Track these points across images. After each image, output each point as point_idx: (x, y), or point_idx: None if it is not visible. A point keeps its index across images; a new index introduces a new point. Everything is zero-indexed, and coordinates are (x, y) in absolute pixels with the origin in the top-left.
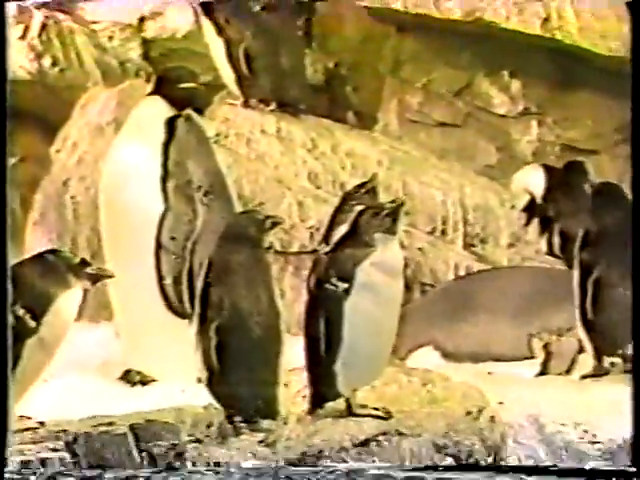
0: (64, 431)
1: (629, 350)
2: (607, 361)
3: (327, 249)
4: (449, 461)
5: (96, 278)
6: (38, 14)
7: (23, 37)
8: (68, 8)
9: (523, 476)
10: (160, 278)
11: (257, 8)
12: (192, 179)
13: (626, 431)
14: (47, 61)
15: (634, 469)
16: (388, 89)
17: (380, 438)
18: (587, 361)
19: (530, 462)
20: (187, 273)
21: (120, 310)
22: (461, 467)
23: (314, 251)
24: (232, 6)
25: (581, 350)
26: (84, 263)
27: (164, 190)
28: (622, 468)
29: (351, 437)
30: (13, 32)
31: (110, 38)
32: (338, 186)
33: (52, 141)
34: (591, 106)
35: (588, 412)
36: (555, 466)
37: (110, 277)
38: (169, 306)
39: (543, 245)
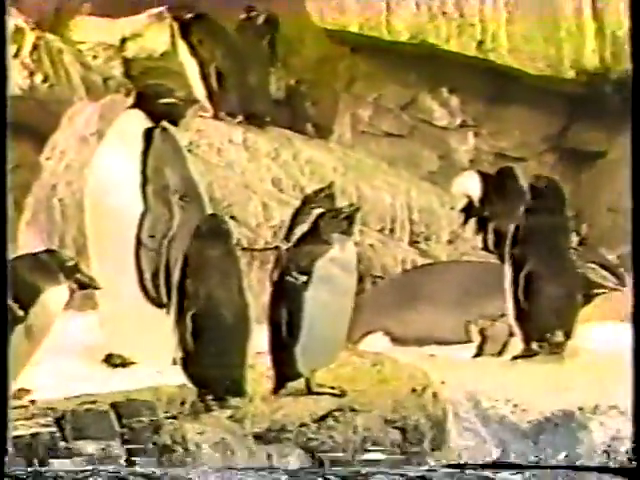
0: (53, 409)
1: (556, 337)
2: (535, 344)
3: (288, 246)
4: (395, 437)
5: (84, 285)
6: (31, 35)
7: (16, 56)
8: (58, 29)
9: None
10: (140, 272)
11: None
12: (168, 184)
13: (553, 405)
14: (38, 78)
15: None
16: (343, 104)
17: (336, 414)
18: (517, 344)
19: (468, 434)
20: (164, 267)
21: (103, 300)
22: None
23: (277, 248)
24: (205, 28)
25: (512, 334)
26: (76, 268)
27: (143, 194)
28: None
29: (310, 413)
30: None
31: (94, 57)
32: (298, 190)
33: (42, 150)
34: (520, 119)
35: (518, 389)
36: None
37: (97, 288)
38: (147, 296)
39: (479, 242)
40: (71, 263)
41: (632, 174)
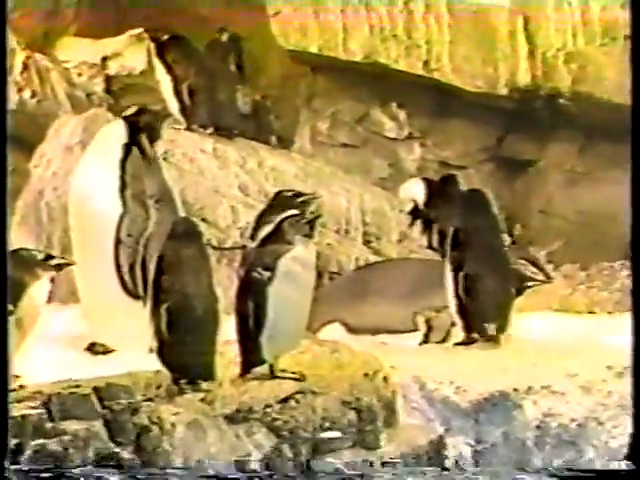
0: (40, 392)
1: (493, 326)
2: (474, 333)
3: (254, 245)
4: (351, 417)
5: (60, 267)
6: (21, 54)
7: (9, 74)
8: (45, 49)
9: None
10: (118, 268)
11: (201, 49)
12: (145, 189)
13: (490, 386)
14: (27, 93)
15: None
16: (303, 117)
17: (297, 396)
18: (458, 333)
19: (416, 414)
20: (141, 263)
21: (86, 294)
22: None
23: (244, 247)
24: (179, 49)
25: (453, 324)
26: (48, 257)
27: (122, 198)
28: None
29: (274, 396)
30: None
31: (79, 74)
32: (263, 194)
33: (31, 158)
34: (461, 132)
35: (460, 372)
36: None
37: (71, 264)
38: (126, 290)
39: (424, 241)
40: (41, 256)
41: (632, 176)
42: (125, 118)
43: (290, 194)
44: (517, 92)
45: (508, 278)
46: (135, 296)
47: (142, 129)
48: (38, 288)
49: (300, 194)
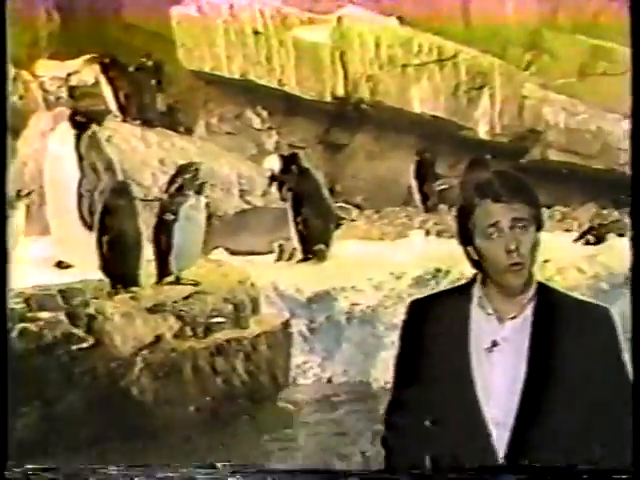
0: (23, 293)
1: (320, 248)
2: (309, 254)
3: (165, 197)
4: (230, 308)
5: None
6: (12, 70)
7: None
8: (28, 67)
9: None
10: (80, 211)
11: (132, 69)
12: (95, 161)
13: (319, 286)
14: (16, 97)
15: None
16: (200, 115)
17: (195, 295)
18: (299, 254)
19: (272, 305)
20: (92, 208)
21: (55, 228)
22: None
23: (159, 199)
24: (117, 68)
25: (295, 248)
26: (19, 195)
27: (80, 168)
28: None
29: (179, 295)
30: None
31: (50, 85)
32: (173, 165)
33: (17, 140)
34: (302, 125)
35: (299, 278)
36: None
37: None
38: (85, 224)
39: (277, 195)
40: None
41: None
42: (70, 119)
43: (188, 164)
44: (336, 100)
45: (329, 217)
46: (89, 228)
47: (85, 123)
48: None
49: (193, 164)
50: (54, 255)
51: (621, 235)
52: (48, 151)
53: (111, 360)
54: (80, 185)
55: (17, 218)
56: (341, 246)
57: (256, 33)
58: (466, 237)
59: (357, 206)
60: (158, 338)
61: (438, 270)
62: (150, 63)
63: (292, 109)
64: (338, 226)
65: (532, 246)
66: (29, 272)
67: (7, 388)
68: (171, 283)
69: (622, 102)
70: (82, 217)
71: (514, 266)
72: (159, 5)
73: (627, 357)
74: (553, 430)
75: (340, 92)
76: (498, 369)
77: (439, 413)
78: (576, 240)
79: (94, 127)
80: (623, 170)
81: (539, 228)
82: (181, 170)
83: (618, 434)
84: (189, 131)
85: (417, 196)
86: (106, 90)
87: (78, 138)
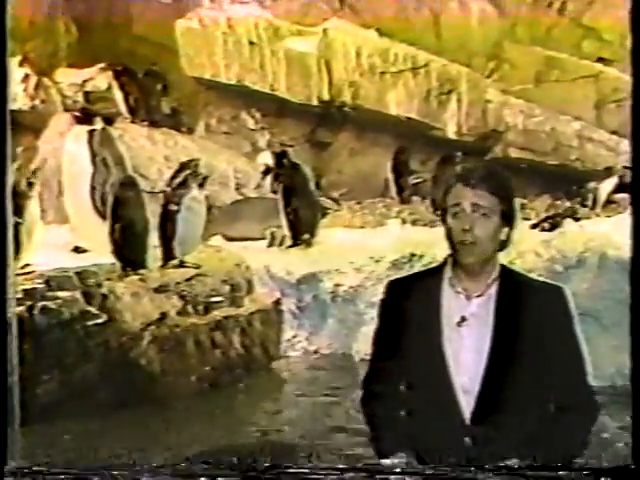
0: (43, 274)
1: (307, 236)
2: (298, 240)
3: (169, 190)
4: (227, 289)
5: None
6: (34, 78)
7: (25, 89)
8: (49, 75)
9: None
10: (93, 201)
11: (140, 75)
12: (107, 158)
13: (306, 269)
14: (38, 101)
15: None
16: (201, 116)
17: (196, 277)
18: (288, 240)
19: (265, 286)
20: (104, 198)
21: (73, 217)
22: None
23: (164, 191)
24: (128, 75)
25: (285, 235)
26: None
27: (93, 162)
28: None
29: (181, 276)
30: (19, 87)
31: (68, 90)
32: (177, 161)
33: (39, 138)
34: (291, 125)
35: (289, 262)
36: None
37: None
38: (98, 214)
39: (269, 188)
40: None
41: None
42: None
43: (189, 160)
44: (322, 103)
45: (316, 207)
46: (103, 218)
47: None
48: (33, 205)
49: (194, 160)
50: (72, 241)
51: (577, 220)
52: (65, 149)
53: (122, 334)
54: (93, 178)
55: (31, 207)
56: (326, 233)
57: (251, 43)
58: (444, 216)
59: (341, 197)
60: (163, 315)
61: (413, 254)
62: (157, 70)
63: (282, 111)
64: (324, 215)
65: (493, 234)
66: (50, 256)
67: (7, 389)
68: (175, 266)
69: (573, 106)
70: (95, 207)
71: (464, 244)
72: (165, 19)
73: (579, 330)
74: (514, 396)
75: (325, 96)
76: (467, 341)
77: (413, 380)
78: (533, 227)
79: (101, 123)
80: (574, 165)
81: (509, 223)
82: (184, 166)
83: (572, 395)
84: (191, 131)
85: (394, 189)
86: (118, 94)
87: (90, 136)
